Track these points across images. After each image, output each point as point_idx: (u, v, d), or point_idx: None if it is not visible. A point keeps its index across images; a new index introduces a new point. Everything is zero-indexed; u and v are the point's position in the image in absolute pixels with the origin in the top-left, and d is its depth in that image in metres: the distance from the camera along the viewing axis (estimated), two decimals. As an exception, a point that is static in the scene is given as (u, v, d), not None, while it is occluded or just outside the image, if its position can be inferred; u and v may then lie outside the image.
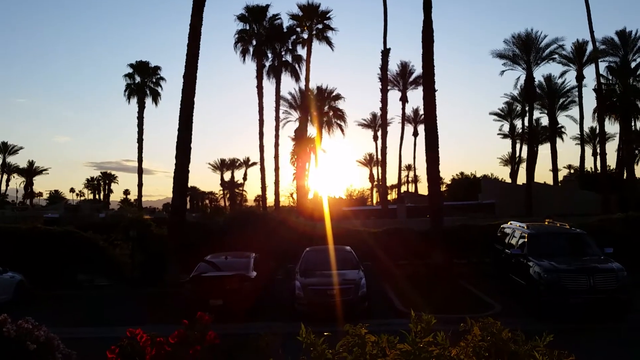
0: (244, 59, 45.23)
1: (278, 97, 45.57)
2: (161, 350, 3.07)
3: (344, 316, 12.33)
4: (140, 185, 55.19)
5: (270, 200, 46.39)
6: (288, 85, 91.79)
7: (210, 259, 15.37)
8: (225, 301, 13.01)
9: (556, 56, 46.80)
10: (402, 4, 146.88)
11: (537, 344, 2.96)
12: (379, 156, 50.85)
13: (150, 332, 3.13)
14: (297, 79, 46.04)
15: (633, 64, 45.88)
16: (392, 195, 71.51)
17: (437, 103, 20.14)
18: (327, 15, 45.21)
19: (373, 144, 75.05)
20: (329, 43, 45.66)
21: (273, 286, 17.07)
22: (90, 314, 15.16)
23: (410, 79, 56.24)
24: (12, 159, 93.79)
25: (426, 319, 3.08)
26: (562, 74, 55.25)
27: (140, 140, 54.29)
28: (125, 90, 54.31)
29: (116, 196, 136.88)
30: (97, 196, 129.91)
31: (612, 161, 51.42)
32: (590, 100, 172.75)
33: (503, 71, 46.32)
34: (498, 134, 70.50)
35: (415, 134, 71.81)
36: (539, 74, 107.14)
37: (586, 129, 63.17)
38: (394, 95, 56.59)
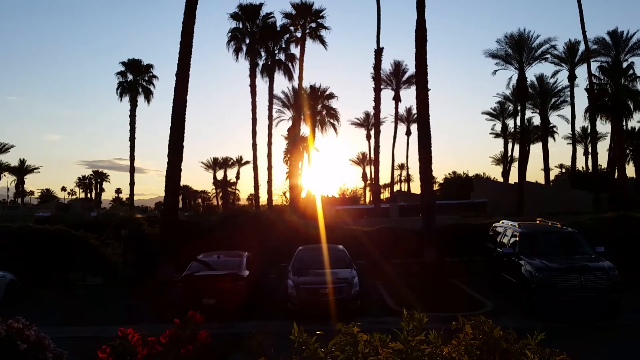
0: (237, 58, 45.15)
1: (271, 95, 45.52)
2: (152, 349, 3.05)
3: (337, 315, 12.36)
4: (132, 183, 55.02)
5: (263, 199, 46.38)
6: (281, 84, 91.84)
7: (202, 258, 15.32)
8: (218, 300, 12.99)
9: (548, 56, 47.22)
10: (395, 3, 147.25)
11: (528, 342, 2.97)
12: (372, 155, 51.01)
13: (142, 331, 3.12)
14: (291, 77, 46.03)
15: (625, 64, 46.29)
16: (385, 194, 71.53)
17: (430, 102, 20.20)
18: (321, 14, 45.29)
19: (366, 142, 75.18)
20: (323, 42, 45.75)
21: (266, 285, 17.07)
22: (81, 313, 15.07)
23: (404, 78, 56.39)
24: (3, 157, 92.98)
25: (418, 318, 3.08)
26: (554, 73, 55.87)
27: (132, 139, 54.08)
28: (117, 89, 54.16)
29: (108, 195, 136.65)
30: (88, 195, 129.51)
31: (603, 160, 51.85)
32: (582, 100, 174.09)
33: (495, 71, 46.70)
34: (490, 133, 70.94)
35: (408, 133, 72.05)
36: (531, 73, 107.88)
37: (578, 129, 63.76)
38: (387, 94, 56.72)
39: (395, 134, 57.19)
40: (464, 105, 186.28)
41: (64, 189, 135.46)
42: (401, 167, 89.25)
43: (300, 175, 48.96)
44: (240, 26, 45.05)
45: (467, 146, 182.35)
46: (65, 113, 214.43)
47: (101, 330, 12.29)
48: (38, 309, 14.87)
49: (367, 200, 78.97)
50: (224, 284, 13.47)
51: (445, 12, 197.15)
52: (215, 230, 20.69)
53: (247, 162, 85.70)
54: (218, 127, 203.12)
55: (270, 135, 44.63)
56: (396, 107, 56.77)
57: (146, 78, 54.81)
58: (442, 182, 74.81)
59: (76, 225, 22.34)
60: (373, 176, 49.75)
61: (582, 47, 46.87)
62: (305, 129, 47.97)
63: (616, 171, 45.75)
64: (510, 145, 64.83)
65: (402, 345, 2.94)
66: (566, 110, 59.00)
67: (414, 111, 46.21)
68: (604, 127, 74.90)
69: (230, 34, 44.95)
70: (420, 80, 20.22)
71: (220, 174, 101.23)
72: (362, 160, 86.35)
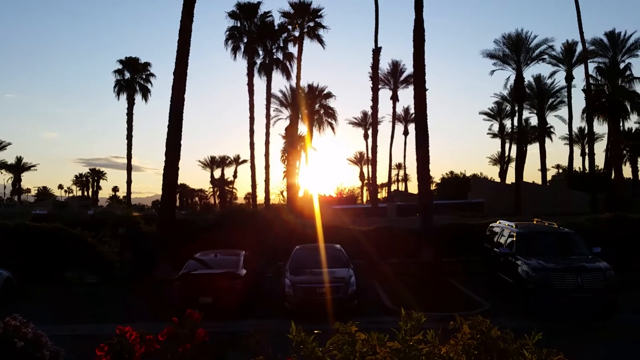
0: (235, 56, 45.18)
1: (269, 94, 45.53)
2: (150, 347, 3.05)
3: (334, 314, 12.36)
4: (129, 182, 55.02)
5: (260, 198, 46.48)
6: (279, 83, 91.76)
7: (199, 256, 15.31)
8: (215, 299, 12.99)
9: (546, 56, 47.22)
10: (393, 3, 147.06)
11: (526, 342, 2.98)
12: (370, 155, 50.96)
13: (140, 329, 3.12)
14: (288, 76, 46.06)
15: (622, 65, 46.41)
16: (382, 194, 71.76)
17: (427, 102, 20.21)
18: (319, 14, 45.25)
19: (363, 142, 75.13)
20: (320, 41, 45.70)
21: (263, 284, 17.06)
22: (78, 311, 15.06)
23: (401, 78, 56.47)
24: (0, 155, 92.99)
25: (416, 317, 3.09)
26: (552, 74, 55.80)
27: (129, 137, 54.03)
28: (114, 87, 54.05)
29: (105, 193, 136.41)
30: (85, 193, 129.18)
31: (600, 161, 51.79)
32: (579, 101, 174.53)
33: (493, 71, 46.72)
34: (488, 134, 71.20)
35: (406, 132, 72.10)
36: (529, 74, 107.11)
37: (575, 129, 63.95)
38: (384, 94, 56.82)
39: (393, 134, 57.41)
40: (461, 105, 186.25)
41: (60, 186, 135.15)
42: (398, 166, 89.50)
43: (297, 174, 48.96)
44: (238, 25, 45.04)
45: (464, 146, 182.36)
46: (62, 111, 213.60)
47: (98, 329, 12.27)
48: (35, 306, 14.80)
49: (365, 199, 79.01)
50: (221, 282, 13.46)
51: (443, 12, 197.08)
52: (213, 228, 20.68)
53: (244, 161, 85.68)
54: (216, 125, 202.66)
55: (267, 134, 44.72)
56: (394, 107, 56.94)
57: (144, 76, 54.74)
58: (439, 182, 74.84)
59: (73, 223, 22.28)
60: (370, 176, 49.71)
61: (579, 48, 47.05)
62: (302, 128, 48.00)
63: (613, 172, 45.86)
64: (507, 145, 65.07)
65: (399, 345, 2.94)
66: (563, 111, 59.64)
67: (412, 111, 46.30)
68: (601, 127, 75.08)
69: (228, 33, 45.00)
70: (418, 80, 20.22)
71: (217, 173, 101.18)
72: (359, 160, 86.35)
